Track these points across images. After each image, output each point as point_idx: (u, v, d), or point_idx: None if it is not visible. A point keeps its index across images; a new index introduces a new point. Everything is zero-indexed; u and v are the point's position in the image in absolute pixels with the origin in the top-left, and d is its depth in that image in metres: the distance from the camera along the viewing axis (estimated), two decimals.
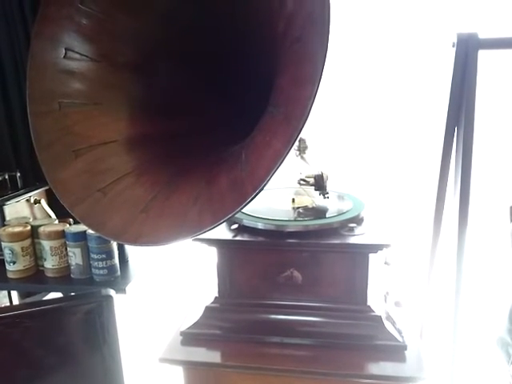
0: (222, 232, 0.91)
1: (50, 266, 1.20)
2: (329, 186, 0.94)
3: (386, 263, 0.92)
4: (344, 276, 0.87)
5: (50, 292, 1.39)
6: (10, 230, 1.20)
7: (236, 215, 0.70)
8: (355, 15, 1.28)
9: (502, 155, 1.28)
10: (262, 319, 0.90)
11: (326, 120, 1.34)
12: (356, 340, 0.86)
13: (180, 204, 0.75)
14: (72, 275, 1.20)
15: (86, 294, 0.79)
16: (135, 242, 0.75)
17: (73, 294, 1.14)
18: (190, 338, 0.91)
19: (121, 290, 1.14)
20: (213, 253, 0.91)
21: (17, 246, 1.19)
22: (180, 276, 1.52)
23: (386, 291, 0.96)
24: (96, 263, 1.16)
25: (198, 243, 0.88)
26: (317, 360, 0.84)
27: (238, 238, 0.88)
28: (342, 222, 0.88)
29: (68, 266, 1.20)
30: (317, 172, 0.93)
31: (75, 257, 1.17)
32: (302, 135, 0.86)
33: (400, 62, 1.28)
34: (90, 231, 1.15)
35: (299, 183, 0.96)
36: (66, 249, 1.19)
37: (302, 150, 0.94)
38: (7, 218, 1.33)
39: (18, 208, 1.40)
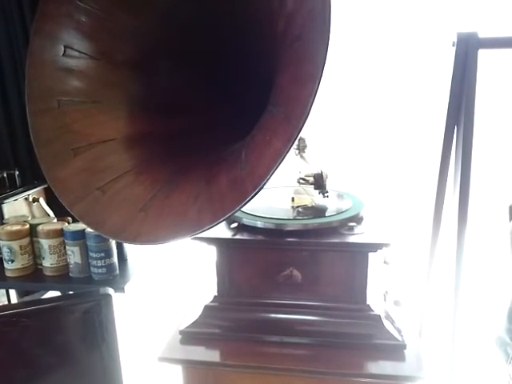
0: (222, 231, 0.91)
1: (49, 265, 1.20)
2: (328, 185, 0.94)
3: (385, 262, 0.92)
4: (343, 275, 0.87)
5: (48, 291, 1.39)
6: (8, 228, 1.19)
7: (235, 214, 0.69)
8: (356, 14, 1.28)
9: (502, 154, 1.29)
10: (261, 318, 0.90)
11: (326, 119, 1.34)
12: (355, 339, 0.86)
13: (179, 203, 0.75)
14: (70, 274, 1.20)
15: (85, 292, 0.79)
16: (134, 240, 0.75)
17: (71, 292, 1.14)
18: (189, 336, 0.91)
19: (120, 288, 1.13)
20: (212, 251, 0.91)
21: (15, 245, 1.18)
22: (179, 275, 1.52)
23: (385, 290, 0.96)
24: (95, 262, 1.16)
25: (197, 242, 0.88)
26: (316, 359, 0.84)
27: (237, 237, 0.88)
28: (342, 221, 0.88)
29: (66, 265, 1.20)
30: (316, 171, 0.93)
31: (74, 255, 1.17)
32: (301, 134, 0.86)
33: (400, 61, 1.28)
34: (88, 230, 1.14)
35: (299, 182, 0.96)
36: (65, 247, 1.18)
37: (302, 148, 0.94)
38: (5, 217, 1.33)
39: (16, 206, 1.40)
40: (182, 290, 1.33)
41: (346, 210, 0.93)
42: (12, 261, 1.19)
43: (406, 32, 1.26)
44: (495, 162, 1.29)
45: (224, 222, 0.90)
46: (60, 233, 1.18)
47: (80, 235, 1.16)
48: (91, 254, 1.16)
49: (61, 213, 1.22)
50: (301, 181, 0.95)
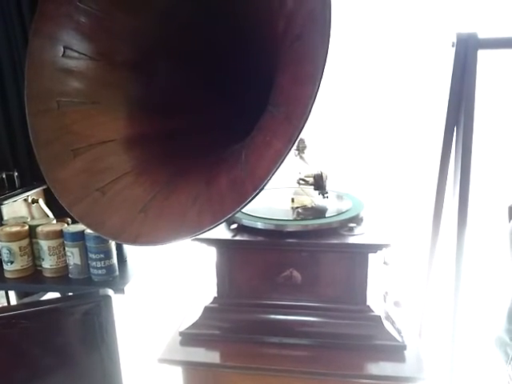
0: (222, 232, 0.90)
1: (48, 266, 1.19)
2: (328, 186, 0.94)
3: (385, 263, 0.92)
4: (343, 276, 0.87)
5: (47, 292, 1.39)
6: (7, 229, 1.19)
7: (235, 215, 0.69)
8: (356, 14, 1.28)
9: (502, 155, 1.29)
10: (261, 319, 0.90)
11: (325, 119, 1.34)
12: (355, 340, 0.86)
13: (179, 204, 0.75)
14: (70, 275, 1.20)
15: (84, 294, 0.79)
16: (134, 241, 0.75)
17: (71, 294, 1.13)
18: (189, 338, 0.91)
19: (119, 289, 1.13)
20: (212, 252, 0.91)
21: (14, 246, 1.18)
22: (179, 276, 1.52)
23: (385, 291, 0.96)
24: (94, 263, 1.16)
25: (197, 243, 0.88)
26: (316, 360, 0.84)
27: (237, 238, 0.88)
28: (342, 222, 0.88)
29: (66, 266, 1.20)
30: (316, 172, 0.93)
31: (73, 257, 1.17)
32: (300, 135, 0.86)
33: (400, 61, 1.28)
34: (88, 231, 1.14)
35: (298, 183, 0.95)
36: (64, 248, 1.18)
37: (301, 149, 0.94)
38: (5, 218, 1.33)
39: (15, 208, 1.40)
40: (181, 291, 1.33)
41: (346, 211, 0.93)
42: (11, 262, 1.19)
43: (406, 33, 1.26)
44: (495, 163, 1.29)
45: (224, 223, 0.90)
46: (59, 234, 1.18)
47: (79, 236, 1.16)
48: (91, 255, 1.16)
49: (60, 214, 1.21)
50: (300, 182, 0.95)
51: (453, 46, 0.88)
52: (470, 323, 1.25)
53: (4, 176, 1.46)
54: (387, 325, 0.86)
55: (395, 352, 0.85)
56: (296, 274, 0.88)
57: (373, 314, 0.87)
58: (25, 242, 1.20)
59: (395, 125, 1.35)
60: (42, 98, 0.82)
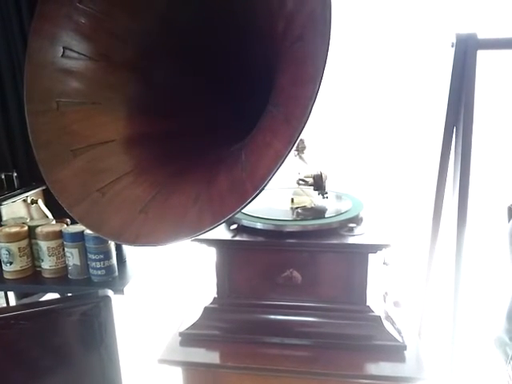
0: (221, 232, 0.90)
1: (48, 267, 1.19)
2: (328, 186, 0.94)
3: (384, 263, 0.92)
4: (343, 276, 0.87)
5: (47, 293, 1.39)
6: (6, 230, 1.19)
7: (235, 215, 0.69)
8: (356, 15, 1.28)
9: (501, 155, 1.29)
10: (261, 320, 0.90)
11: (325, 120, 1.34)
12: (355, 340, 0.86)
13: (179, 204, 0.75)
14: (69, 276, 1.19)
15: (84, 294, 0.79)
16: (134, 242, 0.75)
17: (70, 294, 1.13)
18: (189, 338, 0.91)
19: (119, 290, 1.13)
20: (212, 253, 0.91)
21: (14, 247, 1.18)
22: (179, 276, 1.52)
23: (385, 291, 0.96)
24: (94, 264, 1.15)
25: (197, 243, 0.88)
26: (316, 360, 0.84)
27: (237, 238, 0.88)
28: (341, 222, 0.88)
29: (65, 267, 1.20)
30: (316, 172, 0.93)
31: (73, 257, 1.17)
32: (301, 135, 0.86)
33: (400, 62, 1.28)
34: (87, 231, 1.14)
35: (298, 183, 0.95)
36: (64, 249, 1.18)
37: (301, 149, 0.94)
38: (4, 218, 1.33)
39: (14, 208, 1.39)
40: (181, 292, 1.33)
41: (346, 211, 0.93)
42: (10, 263, 1.19)
43: (406, 33, 1.26)
44: (494, 163, 1.29)
45: (224, 224, 0.90)
46: (59, 234, 1.18)
47: (79, 237, 1.15)
48: (90, 255, 1.15)
49: (59, 214, 1.21)
50: (300, 182, 0.95)
51: (452, 46, 0.88)
52: (469, 323, 1.25)
53: (3, 176, 1.45)
54: (387, 325, 0.86)
55: (395, 352, 0.85)
56: (296, 274, 0.88)
57: (373, 314, 0.87)
58: (24, 243, 1.19)
59: (395, 125, 1.35)
60: (41, 98, 0.81)
